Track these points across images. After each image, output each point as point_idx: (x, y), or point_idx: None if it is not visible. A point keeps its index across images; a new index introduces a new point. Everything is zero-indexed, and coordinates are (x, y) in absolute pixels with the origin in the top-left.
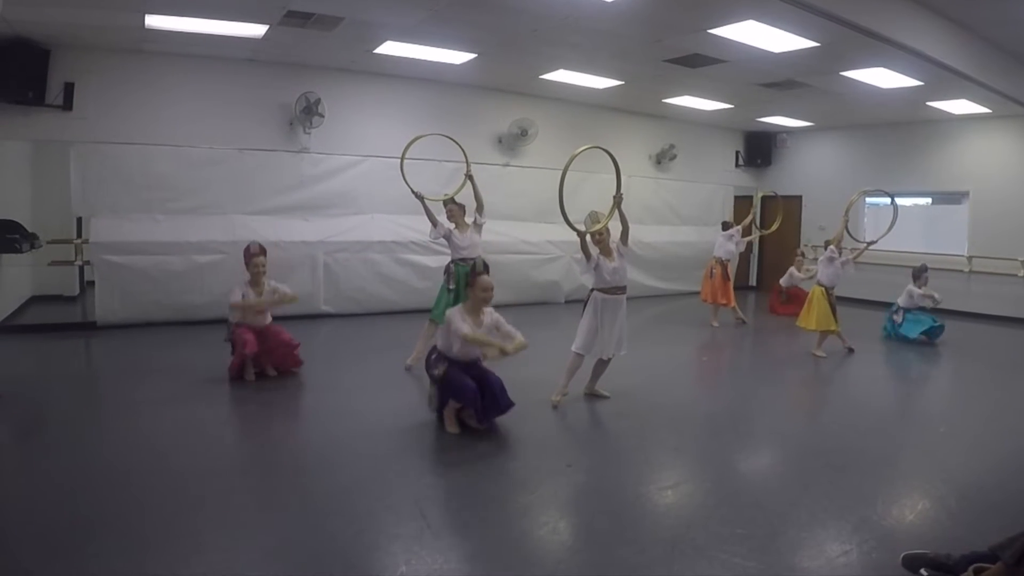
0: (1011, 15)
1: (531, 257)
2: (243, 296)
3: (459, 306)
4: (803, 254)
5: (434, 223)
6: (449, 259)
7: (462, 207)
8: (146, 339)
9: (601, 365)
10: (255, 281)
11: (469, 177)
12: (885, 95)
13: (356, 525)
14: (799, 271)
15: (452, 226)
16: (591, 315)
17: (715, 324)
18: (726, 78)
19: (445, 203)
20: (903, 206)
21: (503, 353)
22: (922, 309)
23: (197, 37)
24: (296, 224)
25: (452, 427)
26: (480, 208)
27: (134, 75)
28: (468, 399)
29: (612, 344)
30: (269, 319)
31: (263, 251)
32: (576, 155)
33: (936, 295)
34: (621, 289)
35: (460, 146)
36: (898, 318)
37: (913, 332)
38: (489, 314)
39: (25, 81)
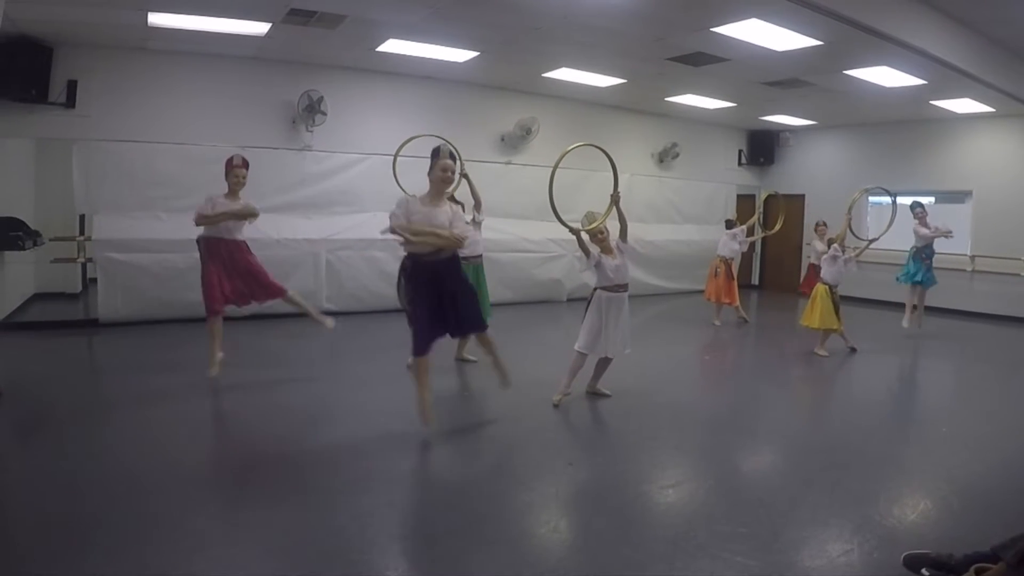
0: (1015, 13)
1: (533, 255)
2: (212, 208)
3: (414, 195)
4: (824, 223)
5: None
6: None
7: (460, 205)
8: (148, 337)
9: (603, 364)
10: (232, 193)
11: (464, 176)
12: (888, 94)
13: (358, 523)
14: (821, 241)
15: None
16: (595, 314)
17: (717, 323)
18: (729, 76)
19: None
20: (906, 205)
21: (440, 243)
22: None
23: (200, 35)
24: (299, 222)
25: (427, 419)
26: (478, 205)
27: (137, 73)
28: (421, 339)
29: (616, 343)
30: (240, 236)
31: (246, 164)
32: (567, 152)
33: (945, 232)
34: (623, 287)
35: (452, 146)
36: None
37: (913, 278)
38: (451, 207)
39: (28, 79)
